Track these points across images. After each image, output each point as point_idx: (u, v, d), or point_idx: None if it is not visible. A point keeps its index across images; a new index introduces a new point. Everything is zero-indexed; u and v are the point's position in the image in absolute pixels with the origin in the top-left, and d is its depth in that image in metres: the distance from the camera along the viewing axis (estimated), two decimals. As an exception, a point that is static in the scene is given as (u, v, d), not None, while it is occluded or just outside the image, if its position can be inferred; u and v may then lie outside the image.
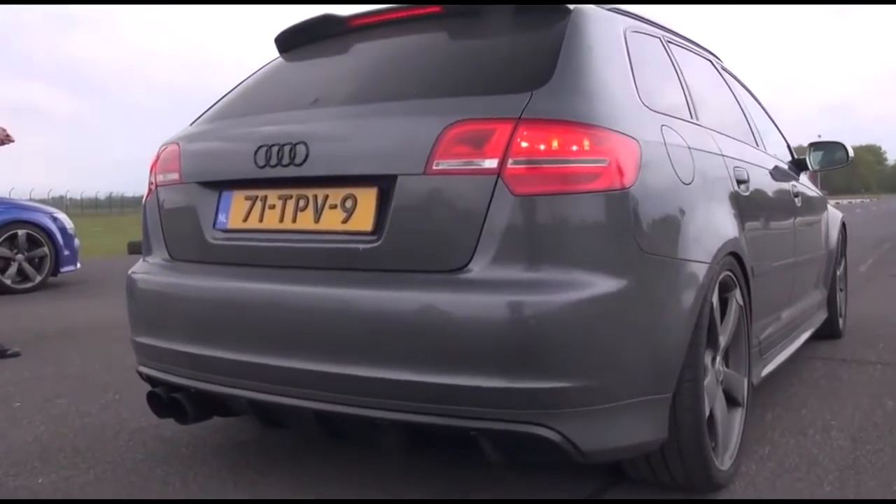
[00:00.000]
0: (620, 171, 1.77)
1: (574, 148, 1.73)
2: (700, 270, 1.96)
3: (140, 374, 2.31)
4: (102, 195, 73.52)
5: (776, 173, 3.13)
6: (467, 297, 1.70)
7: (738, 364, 2.32)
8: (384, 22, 2.39)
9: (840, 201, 41.01)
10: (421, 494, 2.12)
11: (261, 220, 2.05)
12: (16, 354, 4.16)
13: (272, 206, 2.03)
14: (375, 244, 1.83)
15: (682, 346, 1.88)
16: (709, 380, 2.05)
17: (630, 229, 1.78)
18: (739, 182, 2.48)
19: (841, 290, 4.40)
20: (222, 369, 2.02)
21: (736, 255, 2.23)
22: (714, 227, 2.14)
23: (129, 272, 2.35)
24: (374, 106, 2.01)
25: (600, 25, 2.10)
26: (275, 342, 1.92)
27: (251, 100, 2.43)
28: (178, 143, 2.31)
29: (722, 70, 3.29)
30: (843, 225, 4.39)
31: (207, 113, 2.48)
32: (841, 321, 4.31)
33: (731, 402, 2.25)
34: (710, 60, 3.17)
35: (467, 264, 1.72)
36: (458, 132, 1.76)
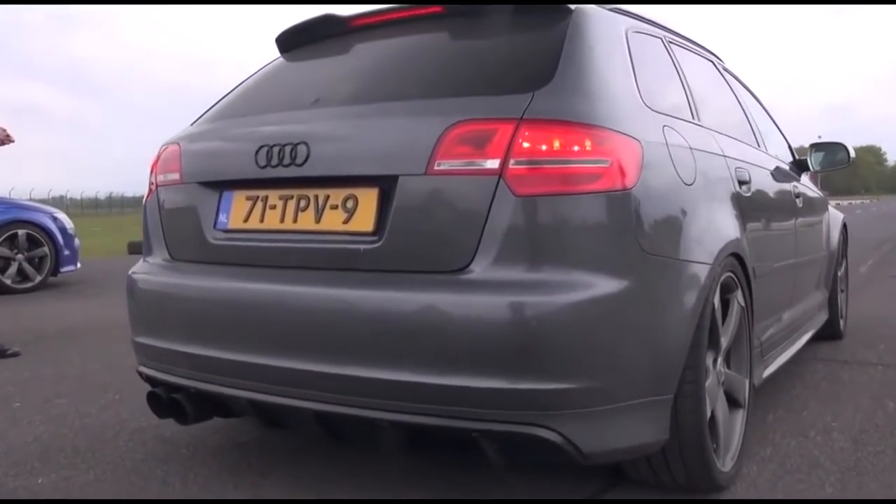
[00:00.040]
0: (622, 172, 1.77)
1: (576, 148, 1.73)
2: (702, 271, 1.96)
3: (140, 374, 2.31)
4: (102, 195, 73.59)
5: (777, 174, 3.13)
6: (468, 297, 1.70)
7: (739, 365, 2.31)
8: (385, 22, 2.39)
9: (840, 202, 40.99)
10: (421, 495, 2.12)
11: (262, 221, 2.05)
12: (16, 354, 4.15)
13: (273, 207, 2.03)
14: (376, 244, 1.83)
15: (683, 347, 1.87)
16: (710, 381, 2.05)
17: (632, 230, 1.77)
18: (741, 183, 2.48)
19: (842, 291, 4.40)
20: (223, 370, 2.01)
21: (737, 256, 2.23)
22: (716, 227, 2.14)
23: (130, 272, 2.35)
24: (376, 106, 2.01)
25: (602, 25, 2.10)
26: (275, 342, 1.91)
27: (252, 100, 2.42)
28: (178, 143, 2.31)
29: (723, 70, 3.28)
30: (844, 226, 4.38)
31: (208, 113, 2.47)
32: (842, 322, 4.31)
33: (733, 403, 2.25)
34: (711, 61, 3.16)
35: (468, 265, 1.72)
36: (459, 132, 1.76)
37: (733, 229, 2.25)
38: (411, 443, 1.86)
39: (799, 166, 3.65)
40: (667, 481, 2.02)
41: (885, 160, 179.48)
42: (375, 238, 1.83)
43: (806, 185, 3.63)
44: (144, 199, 2.41)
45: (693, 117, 2.41)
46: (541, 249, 1.70)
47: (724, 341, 2.17)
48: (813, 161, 3.73)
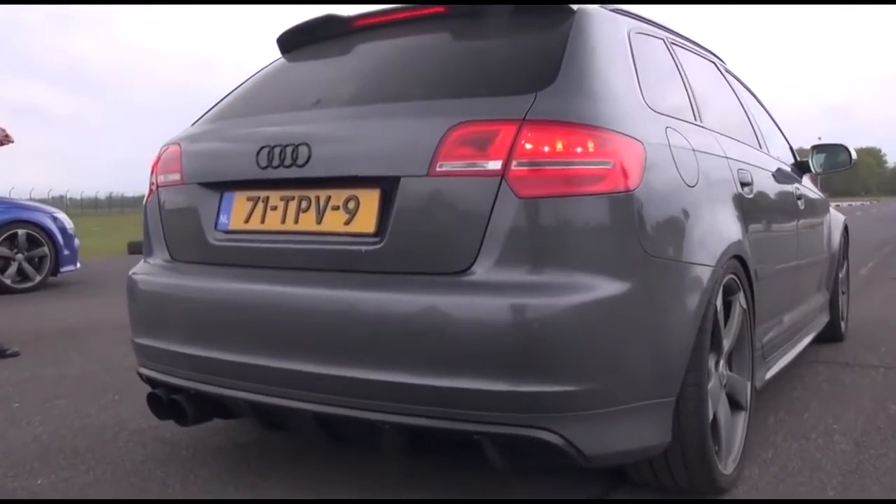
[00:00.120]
0: (625, 174, 1.76)
1: (578, 150, 1.72)
2: (704, 274, 1.95)
3: (140, 375, 2.30)
4: (102, 195, 73.64)
5: (779, 176, 3.13)
6: (470, 299, 1.69)
7: (741, 368, 2.31)
8: (387, 22, 2.38)
9: (840, 203, 41.01)
10: (421, 496, 2.11)
11: (262, 222, 2.04)
12: (15, 354, 4.14)
13: (274, 208, 2.02)
14: (378, 246, 1.82)
15: (685, 349, 1.87)
16: (712, 383, 2.04)
17: (634, 232, 1.77)
18: (743, 184, 2.47)
19: (843, 293, 4.39)
20: (223, 371, 2.00)
21: (740, 258, 2.22)
22: (718, 229, 2.13)
23: (130, 273, 2.34)
24: (377, 107, 2.00)
25: (604, 26, 2.09)
26: (276, 344, 1.91)
27: (253, 100, 2.42)
28: (179, 144, 2.30)
29: (725, 72, 3.28)
30: (846, 228, 4.38)
31: (209, 113, 2.47)
32: (843, 324, 4.30)
33: (735, 405, 2.24)
34: (713, 62, 3.16)
35: (470, 266, 1.71)
36: (461, 133, 1.75)
37: (735, 231, 2.25)
38: (412, 445, 1.85)
39: (800, 168, 3.65)
40: (668, 484, 2.02)
41: (885, 162, 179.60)
42: (377, 239, 1.83)
43: (807, 187, 3.63)
44: (145, 200, 2.41)
45: (695, 119, 2.41)
46: (543, 251, 1.69)
47: (727, 343, 2.17)
48: (814, 163, 3.72)
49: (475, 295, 1.69)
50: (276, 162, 1.96)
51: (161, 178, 2.30)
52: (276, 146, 1.97)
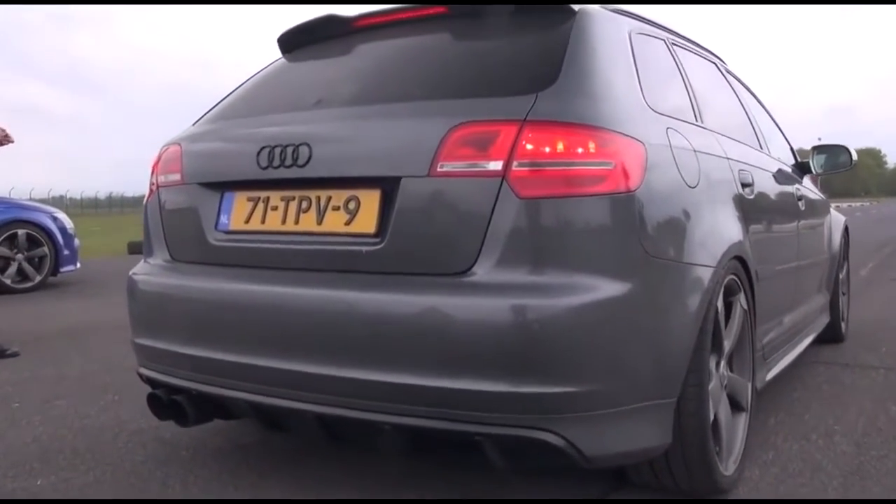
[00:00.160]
0: (626, 174, 1.76)
1: (579, 150, 1.72)
2: (705, 274, 1.95)
3: (140, 375, 2.30)
4: (102, 195, 73.65)
5: (780, 176, 3.12)
6: (471, 300, 1.69)
7: (742, 368, 2.30)
8: (388, 23, 2.38)
9: (839, 204, 41.01)
10: (422, 496, 2.11)
11: (263, 222, 2.04)
12: (15, 354, 4.14)
13: (275, 208, 2.02)
14: (378, 246, 1.82)
15: (687, 350, 1.87)
16: (713, 384, 2.04)
17: (635, 233, 1.77)
18: (744, 185, 2.47)
19: (843, 293, 4.39)
20: (223, 371, 2.00)
21: (741, 259, 2.22)
22: (719, 230, 2.13)
23: (130, 273, 2.34)
24: (378, 107, 2.00)
25: (605, 27, 2.09)
26: (276, 344, 1.91)
27: (254, 100, 2.42)
28: (179, 144, 2.30)
29: (726, 72, 3.28)
30: (846, 229, 4.38)
31: (210, 113, 2.47)
32: (843, 325, 4.30)
33: (735, 406, 2.24)
34: (714, 63, 3.16)
35: (471, 267, 1.71)
36: (462, 134, 1.75)
37: (736, 232, 2.24)
38: (412, 445, 1.85)
39: (801, 169, 3.65)
40: (669, 485, 2.01)
41: (885, 163, 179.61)
42: (377, 240, 1.83)
43: (808, 188, 3.63)
44: (145, 200, 2.40)
45: (696, 119, 2.40)
46: (544, 252, 1.69)
47: (727, 344, 2.17)
48: (815, 164, 3.72)
49: (476, 296, 1.68)
50: (276, 162, 1.96)
51: (161, 178, 2.30)
52: (276, 146, 1.97)
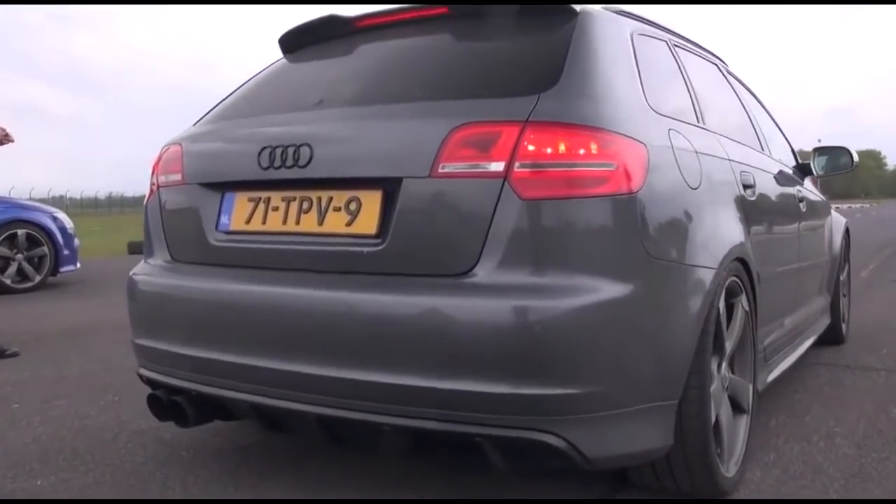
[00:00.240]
0: (628, 176, 1.76)
1: (581, 151, 1.72)
2: (707, 276, 1.95)
3: (140, 376, 2.29)
4: (102, 195, 73.67)
5: (781, 178, 3.12)
6: (472, 301, 1.68)
7: (743, 370, 2.30)
8: (390, 23, 2.38)
9: (839, 206, 41.01)
10: (422, 498, 2.10)
11: (264, 222, 2.03)
12: (15, 354, 4.14)
13: (275, 208, 2.02)
14: (380, 247, 1.81)
15: (688, 352, 1.86)
16: (715, 386, 2.03)
17: (637, 234, 1.76)
18: (745, 187, 2.47)
19: (844, 295, 4.39)
20: (224, 372, 2.00)
21: (742, 261, 2.21)
22: (721, 232, 2.13)
23: (131, 273, 2.33)
24: (380, 108, 2.00)
25: (607, 28, 2.08)
26: (277, 345, 1.90)
27: (255, 101, 2.41)
28: (180, 144, 2.30)
29: (727, 74, 3.27)
30: (847, 230, 4.38)
31: (210, 113, 2.46)
32: (844, 327, 4.30)
33: (737, 408, 2.24)
34: (715, 64, 3.15)
35: (472, 268, 1.71)
36: (464, 135, 1.75)
37: (738, 233, 2.24)
38: (413, 446, 1.85)
39: (802, 170, 3.64)
40: (671, 487, 2.01)
41: (885, 164, 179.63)
42: (379, 241, 1.82)
43: (809, 189, 3.63)
44: (146, 200, 2.40)
45: (698, 121, 2.40)
46: (545, 253, 1.69)
47: (729, 346, 2.16)
48: (816, 165, 3.72)
49: (477, 297, 1.68)
50: (277, 162, 1.96)
51: (162, 179, 2.30)
52: (277, 147, 1.96)
